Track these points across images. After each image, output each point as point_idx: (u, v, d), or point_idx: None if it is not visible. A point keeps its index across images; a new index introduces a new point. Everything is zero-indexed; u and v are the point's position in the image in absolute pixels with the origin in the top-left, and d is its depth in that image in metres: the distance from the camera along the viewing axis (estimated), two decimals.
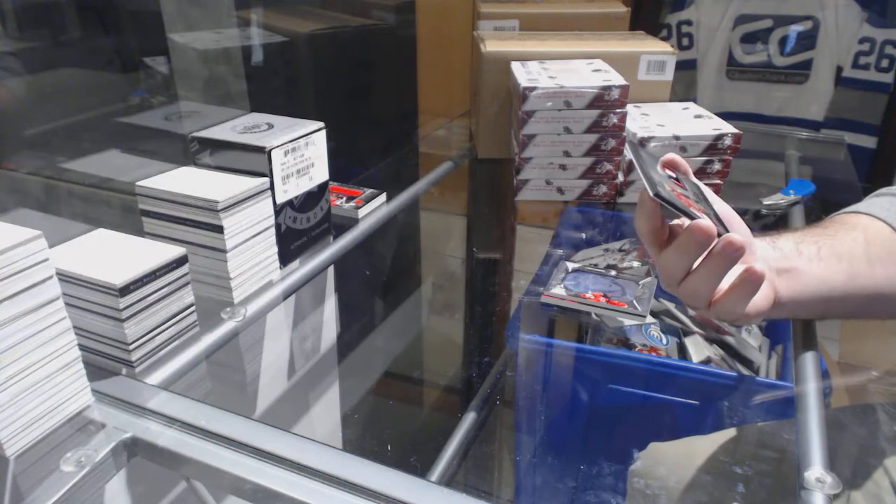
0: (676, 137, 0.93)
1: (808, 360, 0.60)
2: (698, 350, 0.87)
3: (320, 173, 0.79)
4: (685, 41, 1.71)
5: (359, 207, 0.91)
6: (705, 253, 0.47)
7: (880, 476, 0.58)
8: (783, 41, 1.63)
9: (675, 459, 0.68)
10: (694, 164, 0.95)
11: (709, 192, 0.53)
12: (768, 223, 0.95)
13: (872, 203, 0.56)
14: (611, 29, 1.27)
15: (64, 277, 0.55)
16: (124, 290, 0.55)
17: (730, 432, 0.67)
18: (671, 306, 0.95)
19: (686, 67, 1.71)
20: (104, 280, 0.54)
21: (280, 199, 0.73)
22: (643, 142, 0.94)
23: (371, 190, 0.97)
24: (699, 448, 0.68)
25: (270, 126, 0.75)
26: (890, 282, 0.50)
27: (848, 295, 0.50)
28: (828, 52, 1.60)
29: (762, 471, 0.63)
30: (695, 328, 0.91)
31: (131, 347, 0.57)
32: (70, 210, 0.96)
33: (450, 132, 1.51)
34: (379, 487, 0.46)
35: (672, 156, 0.52)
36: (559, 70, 1.02)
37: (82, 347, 0.52)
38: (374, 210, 0.94)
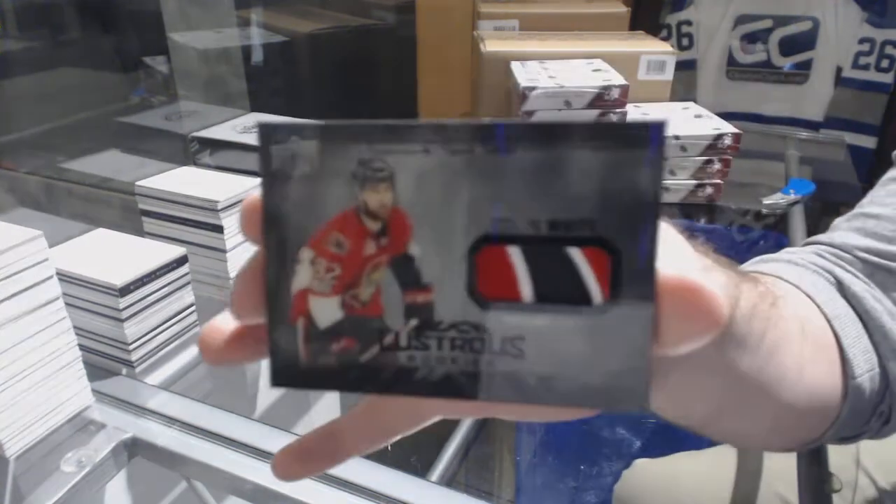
0: (676, 137, 0.93)
1: None
2: None
3: None
4: (685, 41, 1.71)
5: None
6: None
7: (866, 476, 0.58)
8: (783, 41, 1.63)
9: (660, 477, 0.67)
10: (694, 163, 0.95)
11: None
12: (769, 223, 0.95)
13: (794, 271, 0.38)
14: (611, 29, 1.27)
15: (64, 277, 0.55)
16: (124, 290, 0.55)
17: (720, 448, 0.67)
18: None
19: (686, 67, 1.71)
20: (104, 280, 0.54)
21: None
22: None
23: None
24: (685, 465, 0.67)
25: None
26: (809, 396, 0.33)
27: (758, 406, 0.32)
28: (827, 52, 1.60)
29: (751, 477, 0.63)
30: None
31: (131, 347, 0.57)
32: (70, 210, 0.96)
33: None
34: (379, 487, 0.46)
35: None
36: (559, 70, 1.02)
37: (82, 347, 0.52)
38: None
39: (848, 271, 0.38)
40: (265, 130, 0.18)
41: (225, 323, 0.19)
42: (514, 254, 0.17)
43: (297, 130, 0.18)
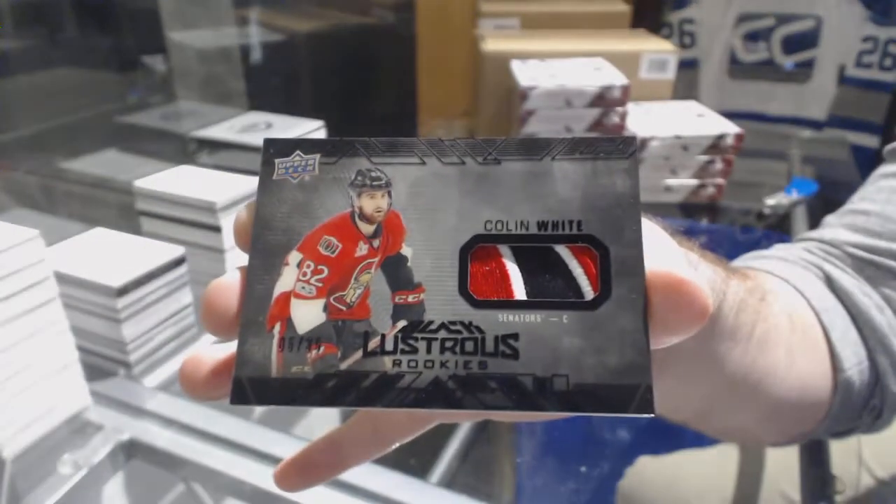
0: (678, 137, 0.93)
1: None
2: None
3: None
4: (687, 40, 1.71)
5: None
6: None
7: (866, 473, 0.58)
8: (785, 39, 1.63)
9: (664, 474, 0.67)
10: (696, 163, 0.95)
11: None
12: (771, 223, 0.95)
13: (783, 267, 0.38)
14: (612, 27, 1.26)
15: (61, 278, 0.55)
16: (122, 291, 0.54)
17: (724, 445, 0.66)
18: None
19: (688, 66, 1.71)
20: (102, 281, 0.54)
21: None
22: (645, 142, 0.93)
23: None
24: (689, 462, 0.67)
25: (269, 125, 0.75)
26: (800, 389, 0.33)
27: (750, 400, 0.32)
28: (830, 50, 1.60)
29: (755, 476, 0.62)
30: None
31: (129, 348, 0.57)
32: (68, 209, 0.96)
33: (450, 132, 1.51)
34: (378, 489, 0.46)
35: None
36: (560, 69, 1.02)
37: (80, 348, 0.52)
38: None
39: (837, 266, 0.38)
40: (269, 143, 0.19)
41: (207, 354, 0.18)
42: (505, 253, 0.17)
43: (300, 145, 0.18)
